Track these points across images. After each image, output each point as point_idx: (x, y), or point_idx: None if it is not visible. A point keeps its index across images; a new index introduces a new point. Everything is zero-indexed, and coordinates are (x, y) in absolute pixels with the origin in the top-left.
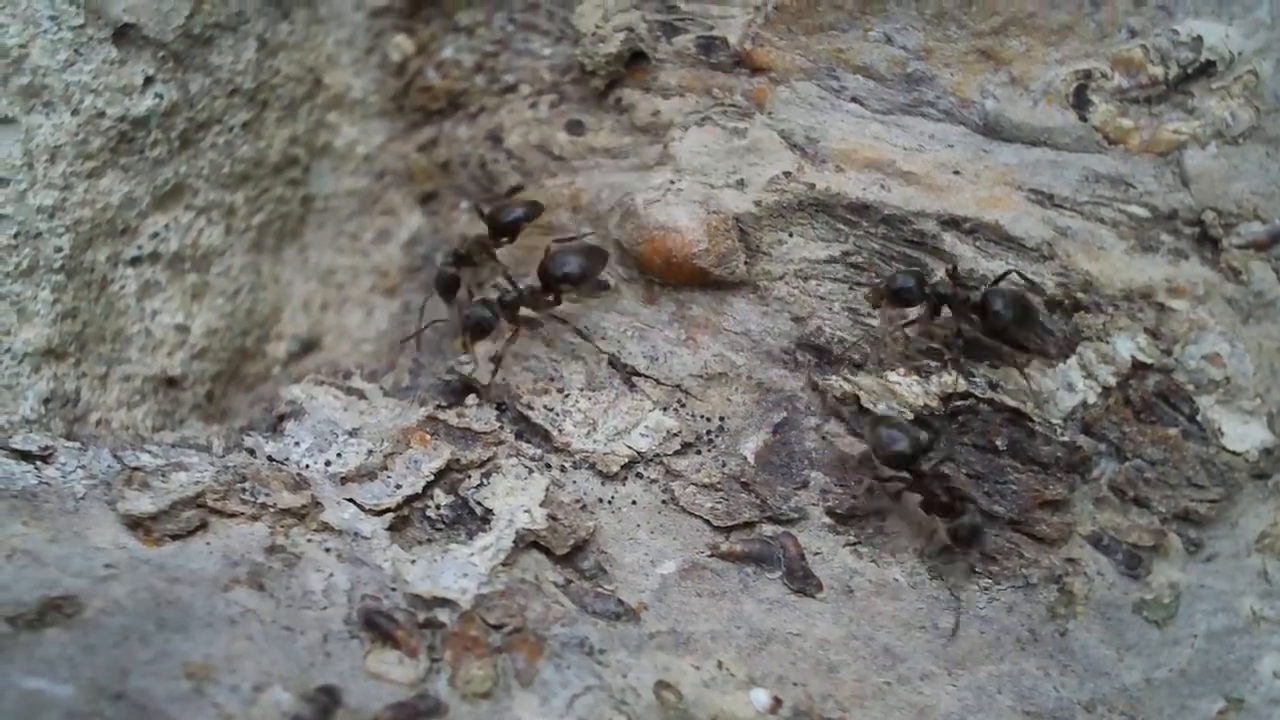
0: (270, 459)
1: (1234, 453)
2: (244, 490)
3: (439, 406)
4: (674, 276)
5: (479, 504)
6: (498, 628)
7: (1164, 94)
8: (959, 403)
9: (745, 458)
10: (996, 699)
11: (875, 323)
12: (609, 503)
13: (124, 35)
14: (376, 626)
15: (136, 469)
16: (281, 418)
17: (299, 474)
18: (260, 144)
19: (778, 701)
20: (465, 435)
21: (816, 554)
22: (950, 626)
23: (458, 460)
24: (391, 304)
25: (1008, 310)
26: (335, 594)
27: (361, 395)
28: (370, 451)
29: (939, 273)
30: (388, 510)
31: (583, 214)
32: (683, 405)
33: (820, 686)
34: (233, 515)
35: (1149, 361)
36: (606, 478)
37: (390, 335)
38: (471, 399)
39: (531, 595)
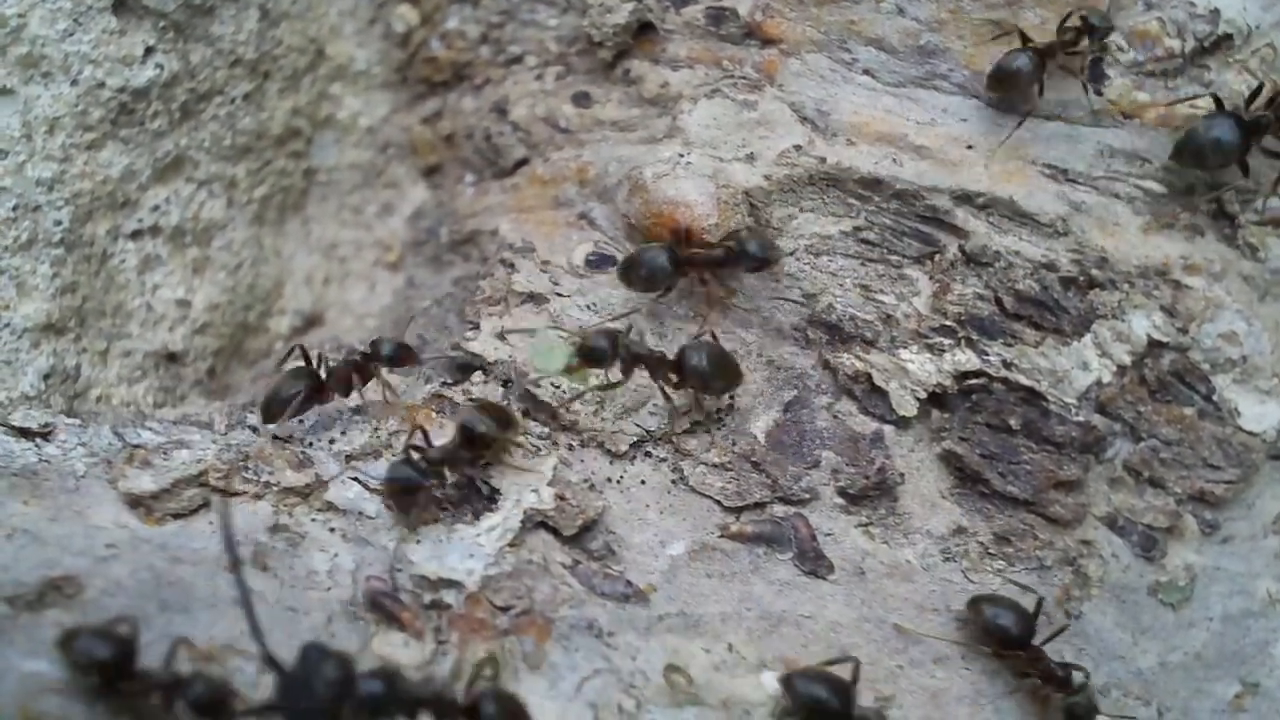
0: (274, 436)
1: (1250, 433)
2: (247, 469)
3: (445, 384)
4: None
5: (485, 483)
6: (505, 609)
7: (1180, 67)
8: (972, 381)
9: (755, 437)
10: (1010, 682)
11: (887, 299)
12: (617, 482)
13: (124, 5)
14: (382, 608)
15: (138, 447)
16: None
17: (303, 452)
18: (262, 116)
19: None
20: None
21: (828, 535)
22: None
23: None
24: (395, 278)
25: None
26: (340, 574)
27: None
28: (375, 429)
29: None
30: None
31: (590, 188)
32: None
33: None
34: (236, 494)
35: (1164, 340)
36: (615, 457)
37: (394, 310)
38: (477, 376)
39: (539, 576)
